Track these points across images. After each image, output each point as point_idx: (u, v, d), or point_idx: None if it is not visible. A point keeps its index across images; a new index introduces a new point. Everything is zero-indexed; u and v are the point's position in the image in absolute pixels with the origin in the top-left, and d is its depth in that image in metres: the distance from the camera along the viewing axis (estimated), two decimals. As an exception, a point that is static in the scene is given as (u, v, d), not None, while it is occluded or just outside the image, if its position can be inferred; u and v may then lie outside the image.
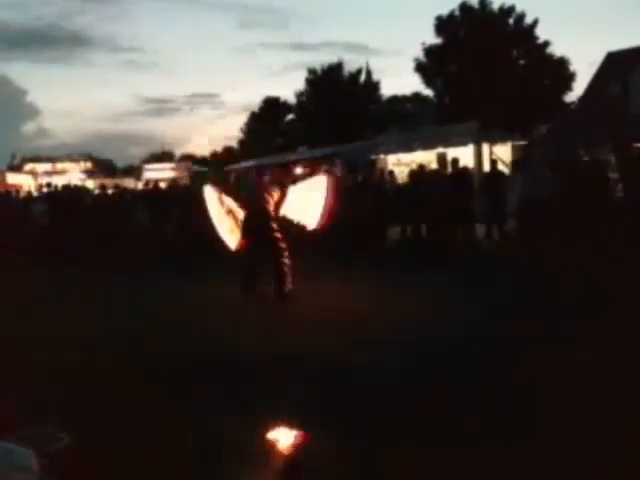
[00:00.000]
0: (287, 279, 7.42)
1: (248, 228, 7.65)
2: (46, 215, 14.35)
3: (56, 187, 16.59)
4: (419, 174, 12.45)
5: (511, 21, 31.00)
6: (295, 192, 7.87)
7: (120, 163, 59.66)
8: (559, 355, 4.75)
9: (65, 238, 12.82)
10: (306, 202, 7.67)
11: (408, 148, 18.32)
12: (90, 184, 28.43)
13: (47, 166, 40.96)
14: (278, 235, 7.50)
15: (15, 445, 2.29)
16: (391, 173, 14.53)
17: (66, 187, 16.99)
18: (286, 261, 7.42)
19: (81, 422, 3.67)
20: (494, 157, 15.18)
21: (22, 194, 17.78)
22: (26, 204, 15.47)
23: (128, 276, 9.80)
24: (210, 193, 8.24)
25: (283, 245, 7.49)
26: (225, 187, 9.01)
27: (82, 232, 13.13)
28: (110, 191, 15.94)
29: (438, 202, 11.11)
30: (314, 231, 7.69)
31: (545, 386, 4.11)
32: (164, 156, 56.39)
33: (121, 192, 16.31)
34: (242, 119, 61.21)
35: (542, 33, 30.82)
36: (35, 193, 18.65)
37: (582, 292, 6.66)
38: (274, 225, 7.52)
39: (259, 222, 7.54)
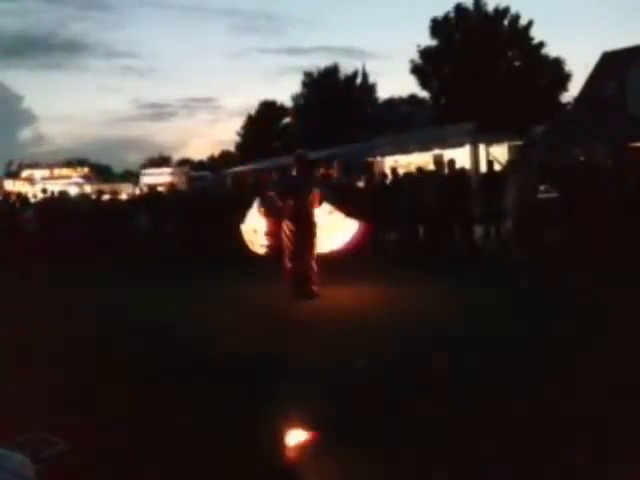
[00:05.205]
0: (317, 277, 7.60)
1: (294, 220, 7.61)
2: (32, 222, 13.60)
3: (52, 193, 16.43)
4: (418, 176, 12.43)
5: (506, 22, 31.06)
6: (322, 218, 7.97)
7: (117, 168, 59.75)
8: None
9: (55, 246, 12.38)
10: (328, 232, 7.96)
11: (405, 150, 18.31)
12: (87, 189, 28.36)
13: (44, 172, 40.80)
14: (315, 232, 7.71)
15: (10, 451, 2.27)
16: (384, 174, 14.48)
17: (62, 194, 16.77)
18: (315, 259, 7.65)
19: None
20: (491, 158, 15.17)
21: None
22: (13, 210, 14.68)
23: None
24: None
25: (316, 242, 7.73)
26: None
27: (81, 240, 12.80)
28: (107, 196, 15.85)
29: (436, 203, 11.08)
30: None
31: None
32: (162, 161, 56.33)
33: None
34: (239, 123, 61.38)
35: (537, 34, 30.99)
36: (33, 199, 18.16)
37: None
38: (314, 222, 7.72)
39: (303, 216, 7.60)
